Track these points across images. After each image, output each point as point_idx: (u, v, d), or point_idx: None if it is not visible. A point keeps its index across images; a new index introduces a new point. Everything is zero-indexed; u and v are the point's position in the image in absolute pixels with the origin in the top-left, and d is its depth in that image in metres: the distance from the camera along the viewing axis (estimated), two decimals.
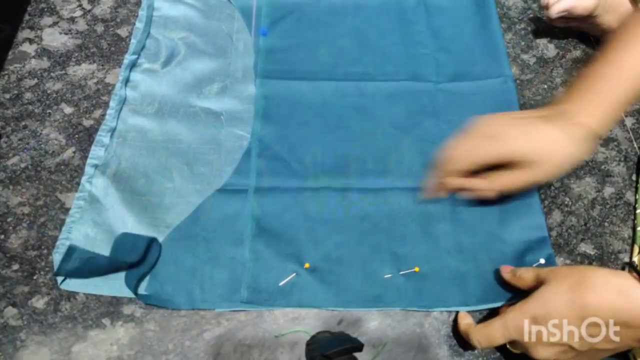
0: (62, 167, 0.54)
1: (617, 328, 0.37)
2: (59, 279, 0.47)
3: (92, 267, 0.47)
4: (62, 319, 0.46)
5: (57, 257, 0.48)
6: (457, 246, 0.49)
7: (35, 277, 0.48)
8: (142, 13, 0.64)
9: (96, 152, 0.54)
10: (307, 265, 0.48)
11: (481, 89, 0.59)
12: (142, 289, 0.47)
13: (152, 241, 0.49)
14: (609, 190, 0.54)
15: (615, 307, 0.37)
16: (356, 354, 0.42)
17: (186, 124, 0.56)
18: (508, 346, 0.42)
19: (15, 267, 0.48)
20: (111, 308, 0.46)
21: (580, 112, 0.44)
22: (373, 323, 0.46)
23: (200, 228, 0.50)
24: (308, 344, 0.44)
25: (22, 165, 0.54)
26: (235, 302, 0.47)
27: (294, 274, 0.48)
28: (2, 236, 0.50)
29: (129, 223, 0.50)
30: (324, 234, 0.50)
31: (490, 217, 0.51)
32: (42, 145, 0.55)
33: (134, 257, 0.47)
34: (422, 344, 0.45)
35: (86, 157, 0.54)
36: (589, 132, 0.44)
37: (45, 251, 0.49)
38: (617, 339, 0.37)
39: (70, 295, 0.47)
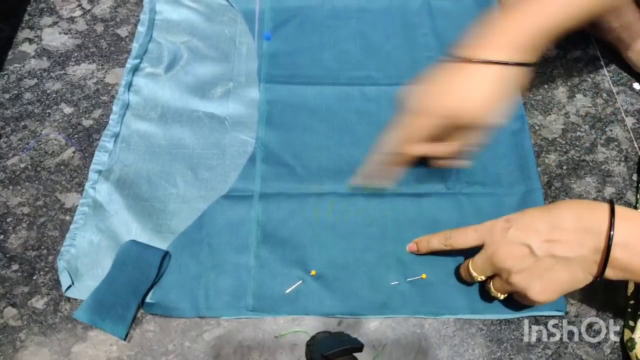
0: (62, 167, 0.54)
1: (578, 234, 0.38)
2: (64, 286, 0.46)
3: (112, 298, 0.45)
4: (62, 319, 0.46)
5: (61, 264, 0.47)
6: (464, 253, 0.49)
7: (35, 278, 0.48)
8: (143, 17, 0.64)
9: (100, 158, 0.53)
10: (313, 272, 0.47)
11: None
12: (147, 297, 0.46)
13: (165, 255, 0.48)
14: (609, 190, 0.54)
15: (580, 213, 0.39)
16: (356, 355, 0.42)
17: (190, 129, 0.56)
18: (486, 285, 0.44)
19: (15, 267, 0.48)
20: None
21: (485, 51, 0.42)
22: (373, 324, 0.46)
23: (205, 234, 0.49)
24: (308, 344, 0.44)
25: (22, 165, 0.54)
26: (240, 309, 0.46)
27: (300, 282, 0.47)
28: (2, 236, 0.50)
29: (133, 229, 0.49)
30: (329, 240, 0.49)
31: None
32: (42, 146, 0.55)
33: (151, 277, 0.46)
34: (422, 345, 0.45)
35: (86, 157, 0.54)
36: (500, 65, 0.42)
37: (44, 251, 0.49)
38: (575, 246, 0.39)
39: (70, 297, 0.47)
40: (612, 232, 0.37)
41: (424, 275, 0.48)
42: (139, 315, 0.46)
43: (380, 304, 0.46)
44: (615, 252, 0.37)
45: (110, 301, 0.45)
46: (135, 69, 0.60)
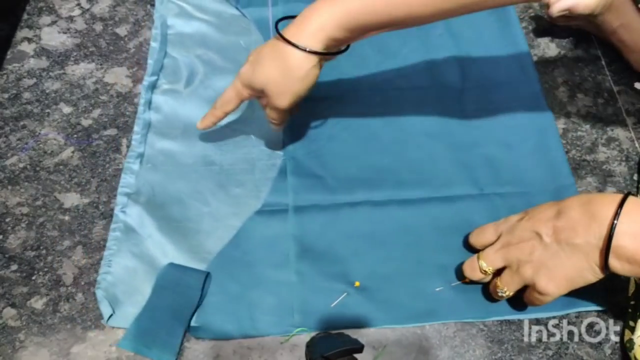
0: (61, 167, 0.54)
1: (584, 218, 0.39)
2: (106, 316, 0.45)
3: (156, 325, 0.45)
4: (61, 319, 0.46)
5: (100, 294, 0.46)
6: None
7: (34, 278, 0.48)
8: (155, 32, 0.62)
9: (126, 180, 0.52)
10: (357, 283, 0.47)
11: (507, 93, 0.58)
12: (192, 321, 0.45)
13: (206, 276, 0.47)
14: (610, 190, 0.54)
15: (589, 199, 0.40)
16: (356, 355, 0.42)
17: (215, 145, 0.55)
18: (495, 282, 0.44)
19: (14, 267, 0.48)
20: None
21: (290, 32, 0.44)
22: None
23: (242, 252, 0.49)
24: (308, 345, 0.44)
25: (21, 165, 0.54)
26: (287, 327, 0.45)
27: (346, 294, 0.47)
28: (1, 236, 0.50)
29: (168, 252, 0.48)
30: (368, 250, 0.49)
31: None
32: (41, 145, 0.55)
33: (195, 300, 0.45)
34: (423, 346, 0.45)
35: (85, 157, 0.54)
36: (297, 47, 0.44)
37: (44, 251, 0.49)
38: (580, 232, 0.39)
39: (70, 296, 0.47)
40: (615, 220, 0.37)
41: (467, 279, 0.46)
42: None
43: (427, 312, 0.46)
44: (622, 241, 0.37)
45: (154, 328, 0.44)
46: (153, 86, 0.58)
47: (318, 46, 0.44)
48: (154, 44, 0.61)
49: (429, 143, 0.55)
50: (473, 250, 0.47)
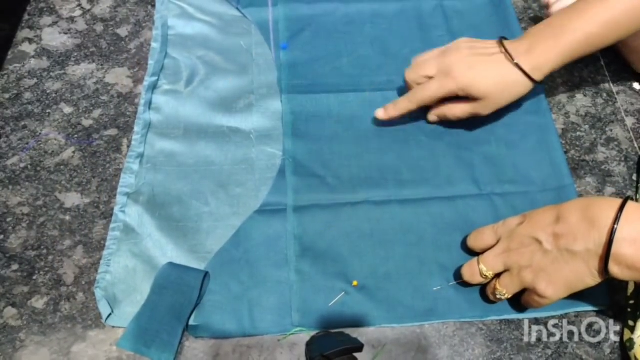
0: (62, 167, 0.54)
1: (584, 224, 0.39)
2: (104, 315, 0.45)
3: (155, 325, 0.45)
4: (62, 319, 0.46)
5: (99, 293, 0.46)
6: None
7: (34, 278, 0.48)
8: (156, 32, 0.62)
9: (126, 180, 0.52)
10: (355, 283, 0.47)
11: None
12: (190, 320, 0.46)
13: (205, 275, 0.47)
14: (609, 190, 0.54)
15: (588, 203, 0.40)
16: (356, 355, 0.42)
17: (215, 145, 0.55)
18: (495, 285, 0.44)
19: (15, 267, 0.48)
20: None
21: (524, 53, 0.48)
22: None
23: (242, 252, 0.49)
24: (308, 344, 0.44)
25: (22, 165, 0.54)
26: (286, 326, 0.45)
27: (343, 293, 0.47)
28: (2, 236, 0.50)
29: (168, 251, 0.49)
30: (368, 249, 0.49)
31: None
32: (42, 145, 0.55)
33: (194, 299, 0.45)
34: (422, 345, 0.45)
35: (85, 157, 0.54)
36: (529, 74, 0.48)
37: (44, 251, 0.49)
38: (580, 238, 0.39)
39: (70, 296, 0.47)
40: (615, 226, 0.37)
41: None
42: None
43: (426, 311, 0.46)
44: (622, 248, 0.37)
45: (154, 328, 0.44)
46: (153, 87, 0.59)
47: (540, 78, 0.49)
48: (155, 45, 0.62)
49: (430, 142, 0.55)
50: (471, 252, 0.48)
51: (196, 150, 0.55)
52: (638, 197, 0.53)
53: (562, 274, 0.40)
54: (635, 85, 0.61)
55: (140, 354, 0.44)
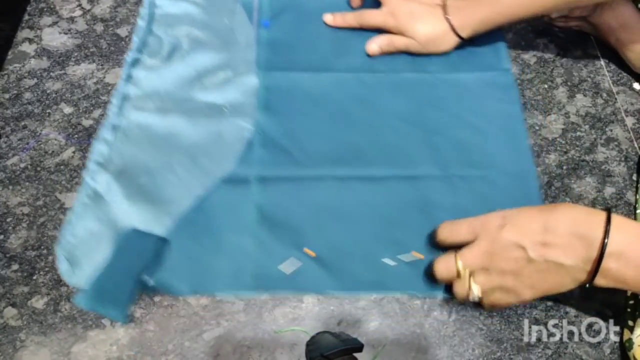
0: (62, 167, 0.54)
1: (573, 240, 0.39)
2: (62, 273, 0.47)
3: (112, 285, 0.46)
4: (62, 319, 0.46)
5: (60, 253, 0.48)
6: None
7: (34, 278, 0.48)
8: (144, 11, 0.64)
9: (99, 149, 0.54)
10: (312, 253, 0.48)
11: (481, 81, 0.60)
12: (147, 280, 0.47)
13: (163, 240, 0.48)
14: (609, 190, 0.54)
15: (576, 218, 0.39)
16: (356, 355, 0.42)
17: (189, 118, 0.56)
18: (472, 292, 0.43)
19: (15, 267, 0.48)
20: None
21: (455, 12, 0.57)
22: (373, 323, 0.46)
23: (204, 218, 0.50)
24: (308, 344, 0.44)
25: (22, 165, 0.54)
26: (239, 288, 0.47)
27: (300, 264, 0.48)
28: (2, 236, 0.50)
29: (132, 217, 0.50)
30: (326, 222, 0.50)
31: (491, 206, 0.50)
32: (42, 145, 0.55)
33: (149, 262, 0.47)
34: (422, 345, 0.45)
35: (86, 157, 0.54)
36: (455, 31, 0.58)
37: (45, 251, 0.49)
38: (569, 253, 0.39)
39: (70, 296, 0.47)
40: (606, 240, 0.37)
41: (421, 256, 0.48)
42: (138, 315, 0.46)
43: (374, 283, 0.47)
44: (608, 263, 0.37)
45: (109, 288, 0.46)
46: (134, 62, 0.60)
47: (466, 35, 0.58)
48: (141, 23, 0.63)
49: (400, 125, 0.56)
50: (436, 244, 0.47)
51: (169, 122, 0.56)
52: (638, 197, 0.53)
53: (545, 281, 0.40)
54: (635, 85, 0.61)
55: (96, 311, 0.45)
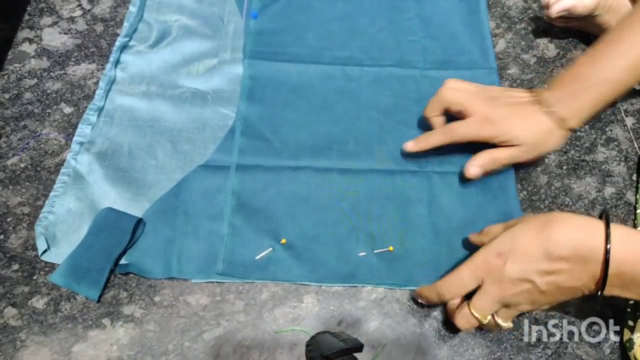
0: (62, 167, 0.54)
1: (577, 264, 0.38)
2: (40, 250, 0.48)
3: (87, 263, 0.47)
4: (62, 319, 0.46)
5: (38, 230, 0.49)
6: (433, 229, 0.50)
7: (35, 277, 0.48)
8: None
9: (82, 130, 0.55)
10: (283, 240, 0.49)
11: (466, 78, 0.59)
12: (121, 260, 0.48)
13: (139, 221, 0.49)
14: (609, 190, 0.54)
15: (576, 240, 0.39)
16: (356, 355, 0.42)
17: (173, 104, 0.57)
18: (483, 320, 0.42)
19: (15, 267, 0.48)
20: (111, 308, 0.46)
21: (558, 103, 0.48)
22: (373, 324, 0.46)
23: (181, 201, 0.51)
24: (308, 344, 0.44)
25: (22, 165, 0.54)
26: (211, 273, 0.48)
27: (271, 249, 0.49)
28: (2, 236, 0.50)
29: (111, 198, 0.51)
30: (302, 212, 0.51)
31: (467, 202, 0.52)
32: (42, 145, 0.55)
33: (125, 242, 0.48)
34: (422, 345, 0.45)
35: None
36: (562, 123, 0.48)
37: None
38: (576, 276, 0.39)
39: (70, 296, 0.47)
40: (608, 256, 0.37)
41: (391, 248, 0.49)
42: (138, 315, 0.46)
43: (348, 274, 0.48)
44: (613, 280, 0.38)
45: (85, 266, 0.47)
46: (123, 47, 0.61)
47: (577, 126, 0.49)
48: (132, 9, 0.64)
49: (381, 119, 0.57)
50: (438, 299, 0.44)
51: (153, 107, 0.57)
52: (638, 197, 0.53)
53: (560, 298, 0.41)
54: (635, 85, 0.61)
55: (70, 288, 0.47)
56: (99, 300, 0.46)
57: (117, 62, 0.60)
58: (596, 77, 0.47)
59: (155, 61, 0.60)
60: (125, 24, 0.63)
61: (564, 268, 0.39)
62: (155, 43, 0.62)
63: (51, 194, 0.51)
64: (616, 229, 0.38)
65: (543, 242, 0.39)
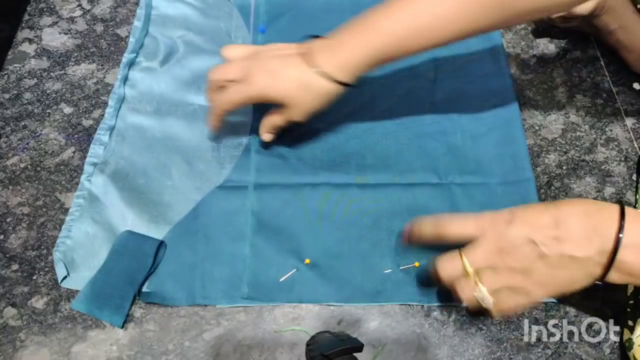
0: (62, 167, 0.54)
1: (586, 232, 0.38)
2: (60, 276, 0.47)
3: (109, 288, 0.46)
4: (62, 319, 0.46)
5: (57, 256, 0.48)
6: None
7: (34, 278, 0.48)
8: (140, 12, 0.64)
9: (95, 151, 0.54)
10: (307, 260, 0.48)
11: (479, 85, 0.60)
12: (143, 287, 0.47)
13: (161, 244, 0.48)
14: (609, 190, 0.54)
15: (589, 212, 0.38)
16: (356, 354, 0.42)
17: (185, 122, 0.56)
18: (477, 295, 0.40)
19: (15, 267, 0.48)
20: None
21: (323, 52, 0.45)
22: (373, 323, 0.46)
23: (200, 224, 0.50)
24: (308, 344, 0.44)
25: (22, 165, 0.54)
26: (235, 298, 0.47)
27: (295, 270, 0.48)
28: (2, 236, 0.50)
29: (129, 220, 0.50)
30: (324, 229, 0.50)
31: None
32: (42, 145, 0.55)
33: (147, 266, 0.47)
34: (422, 345, 0.45)
35: (85, 157, 0.54)
36: (326, 75, 0.45)
37: (44, 251, 0.49)
38: (583, 245, 0.37)
39: (70, 296, 0.47)
40: (621, 235, 0.36)
41: (416, 264, 0.48)
42: (138, 315, 0.46)
43: (374, 292, 0.47)
44: (624, 255, 0.37)
45: (107, 291, 0.45)
46: (131, 63, 0.60)
47: (347, 78, 0.46)
48: (137, 23, 0.63)
49: (396, 130, 0.56)
50: (438, 236, 0.44)
51: (165, 125, 0.56)
52: (638, 197, 0.53)
53: (557, 278, 0.39)
54: (635, 85, 0.61)
55: (93, 315, 0.45)
56: (122, 327, 0.45)
57: (125, 79, 0.59)
58: (377, 25, 0.44)
59: (164, 78, 0.59)
60: (131, 40, 0.62)
61: (571, 235, 0.38)
62: (164, 60, 0.60)
63: (67, 217, 0.50)
64: (631, 211, 0.37)
65: (555, 212, 0.39)
